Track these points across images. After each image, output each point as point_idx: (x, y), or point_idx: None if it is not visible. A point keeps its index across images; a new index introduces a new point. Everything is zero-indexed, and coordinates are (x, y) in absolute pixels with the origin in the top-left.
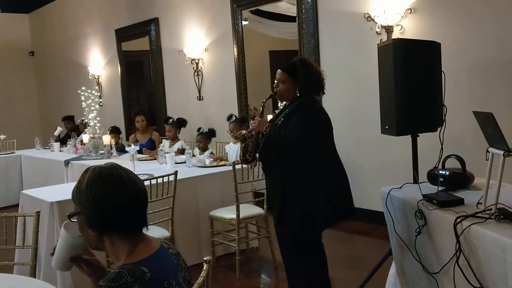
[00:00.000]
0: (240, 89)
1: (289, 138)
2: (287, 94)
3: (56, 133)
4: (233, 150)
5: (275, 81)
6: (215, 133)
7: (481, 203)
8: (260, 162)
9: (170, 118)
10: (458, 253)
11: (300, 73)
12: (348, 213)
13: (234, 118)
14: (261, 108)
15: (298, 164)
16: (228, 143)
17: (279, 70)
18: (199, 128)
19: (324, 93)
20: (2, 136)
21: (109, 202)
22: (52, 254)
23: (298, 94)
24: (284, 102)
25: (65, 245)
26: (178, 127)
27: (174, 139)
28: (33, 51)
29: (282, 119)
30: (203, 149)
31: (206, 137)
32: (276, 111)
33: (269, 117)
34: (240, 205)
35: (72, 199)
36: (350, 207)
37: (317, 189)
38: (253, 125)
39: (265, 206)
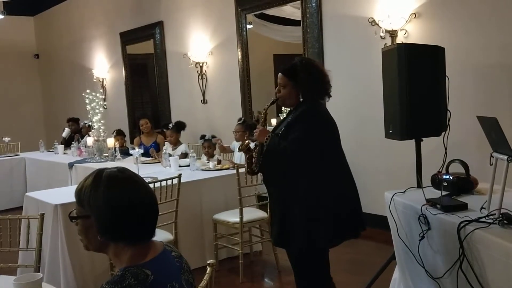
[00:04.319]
0: (244, 92)
1: (289, 151)
2: (289, 99)
3: (64, 134)
4: (239, 154)
5: (277, 86)
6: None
7: (484, 208)
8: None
9: (169, 123)
10: (461, 258)
11: (300, 76)
12: (356, 231)
13: (243, 120)
14: (263, 116)
15: (298, 180)
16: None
17: (279, 74)
18: (204, 135)
19: (330, 96)
20: (7, 139)
21: (128, 212)
22: None
23: (301, 99)
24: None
25: None
26: (178, 131)
27: (176, 143)
28: (38, 54)
29: (283, 128)
30: (211, 156)
31: (213, 143)
32: (280, 115)
33: (273, 121)
34: (244, 209)
35: (79, 202)
36: (357, 225)
37: (319, 210)
38: (255, 135)
39: (268, 210)
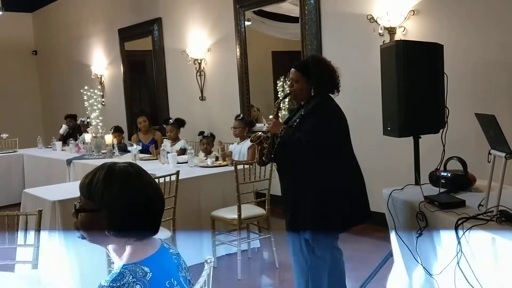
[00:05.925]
0: (243, 89)
1: (303, 142)
2: (301, 93)
3: (61, 131)
4: (237, 150)
5: (289, 81)
6: (214, 136)
7: (482, 205)
8: (275, 164)
9: (170, 118)
10: (459, 255)
11: (312, 71)
12: (362, 219)
13: (241, 116)
14: (275, 109)
15: (311, 169)
16: (231, 143)
17: (292, 69)
18: (202, 132)
19: (340, 91)
20: (5, 135)
21: (142, 208)
22: None
23: (312, 93)
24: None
25: None
26: (179, 127)
27: (176, 139)
28: (36, 50)
29: (297, 120)
30: (209, 152)
31: (211, 140)
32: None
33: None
34: (242, 206)
35: (88, 196)
36: (364, 213)
37: (328, 196)
38: (268, 126)
39: (266, 207)
